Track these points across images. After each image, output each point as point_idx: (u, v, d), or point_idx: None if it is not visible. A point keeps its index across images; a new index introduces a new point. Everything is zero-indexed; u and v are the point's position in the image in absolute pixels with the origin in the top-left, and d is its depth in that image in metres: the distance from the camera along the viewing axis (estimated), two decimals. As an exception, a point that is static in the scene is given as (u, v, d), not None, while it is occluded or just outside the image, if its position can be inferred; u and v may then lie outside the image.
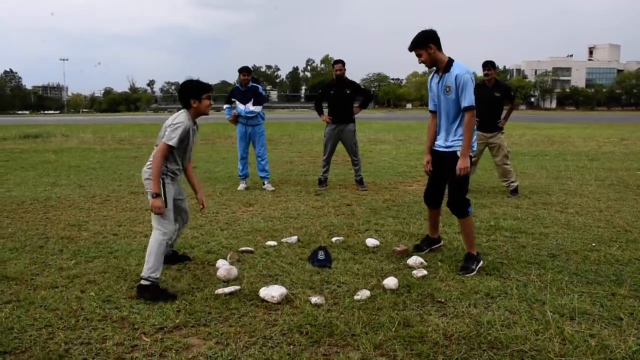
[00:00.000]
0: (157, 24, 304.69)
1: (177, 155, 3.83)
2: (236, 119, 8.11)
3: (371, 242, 4.85)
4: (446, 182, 4.42)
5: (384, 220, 5.88)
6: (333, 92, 7.99)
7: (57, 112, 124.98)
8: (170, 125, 3.72)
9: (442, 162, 4.37)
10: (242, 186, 8.21)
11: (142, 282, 3.61)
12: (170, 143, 3.67)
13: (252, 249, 4.71)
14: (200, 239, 5.11)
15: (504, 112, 7.77)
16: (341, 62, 7.95)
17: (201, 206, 4.24)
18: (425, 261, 4.29)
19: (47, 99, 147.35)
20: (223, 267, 4.03)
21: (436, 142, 4.46)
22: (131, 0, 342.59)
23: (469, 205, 4.31)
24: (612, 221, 5.80)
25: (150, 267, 3.62)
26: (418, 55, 4.17)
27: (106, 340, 2.95)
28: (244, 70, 7.99)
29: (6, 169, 10.97)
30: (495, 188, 8.05)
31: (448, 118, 4.28)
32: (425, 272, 4.01)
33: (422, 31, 4.18)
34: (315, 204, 6.87)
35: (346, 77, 8.04)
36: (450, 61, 4.21)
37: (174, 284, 3.82)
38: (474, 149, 4.34)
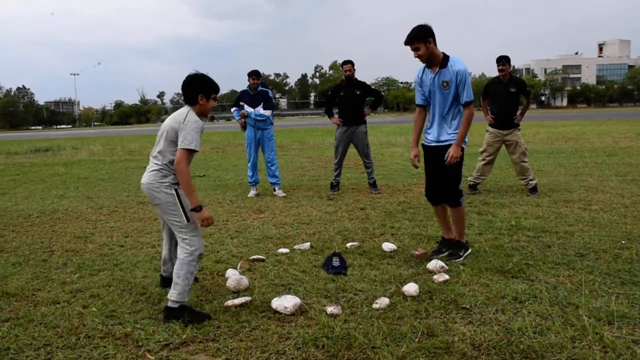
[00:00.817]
0: (166, 36, 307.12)
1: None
2: (245, 121, 7.95)
3: (388, 246, 4.62)
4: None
5: (400, 223, 5.65)
6: (343, 94, 7.78)
7: (69, 126, 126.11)
8: (182, 128, 3.22)
9: (437, 157, 4.35)
10: (252, 193, 8.02)
11: (169, 304, 3.23)
12: (193, 147, 3.19)
13: (263, 257, 4.49)
14: (209, 248, 4.90)
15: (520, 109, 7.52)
16: (350, 63, 7.74)
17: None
18: (446, 265, 4.05)
19: (59, 114, 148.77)
20: (233, 277, 3.81)
21: (427, 137, 4.45)
22: (139, 13, 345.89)
23: (461, 195, 4.39)
24: (639, 217, 5.52)
25: (179, 291, 3.21)
26: (415, 50, 4.12)
27: (108, 360, 2.75)
28: (253, 74, 7.81)
29: (15, 182, 10.88)
30: (512, 187, 7.79)
31: (443, 113, 4.28)
32: (446, 276, 3.77)
33: (420, 25, 4.13)
34: (328, 209, 6.65)
35: (356, 78, 7.83)
36: (446, 57, 4.21)
37: (181, 297, 3.61)
38: (466, 142, 4.34)
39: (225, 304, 3.43)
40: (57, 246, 5.22)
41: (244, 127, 8.05)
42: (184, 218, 3.28)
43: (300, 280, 3.90)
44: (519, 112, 7.31)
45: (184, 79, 3.41)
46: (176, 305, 3.21)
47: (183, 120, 3.25)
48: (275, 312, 3.27)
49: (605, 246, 4.49)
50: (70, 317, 3.31)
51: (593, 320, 2.97)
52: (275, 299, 3.37)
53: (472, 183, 7.46)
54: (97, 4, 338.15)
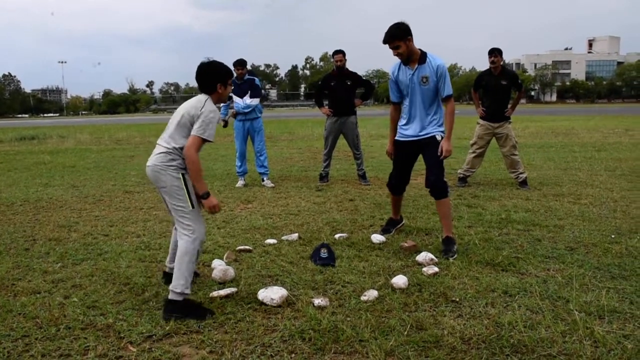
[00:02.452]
0: (156, 25, 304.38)
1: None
2: (227, 120, 7.88)
3: (377, 238, 4.56)
4: (411, 171, 4.68)
5: (389, 215, 5.57)
6: (334, 84, 7.69)
7: (57, 114, 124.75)
8: (198, 115, 3.11)
9: (415, 150, 4.51)
10: (240, 183, 7.93)
11: (171, 296, 3.08)
12: (206, 137, 3.09)
13: (250, 248, 4.42)
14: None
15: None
16: (341, 53, 7.65)
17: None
18: (436, 257, 4.00)
19: (46, 102, 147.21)
20: (219, 267, 3.74)
21: (404, 132, 4.52)
22: (129, 2, 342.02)
23: (448, 186, 4.44)
24: (628, 212, 5.51)
25: (182, 281, 3.07)
26: (395, 48, 4.18)
27: (88, 352, 2.66)
28: (238, 64, 7.69)
29: (-1, 170, 10.69)
30: (502, 180, 7.76)
31: (424, 107, 4.37)
32: (436, 269, 3.72)
33: (399, 23, 4.19)
34: (317, 200, 6.59)
35: (347, 68, 7.74)
36: (424, 53, 4.31)
37: (166, 287, 3.50)
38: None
39: (211, 294, 3.35)
40: (40, 235, 5.11)
41: (225, 124, 7.92)
42: (189, 203, 3.16)
43: (288, 271, 3.83)
44: (510, 105, 7.28)
45: (198, 67, 3.31)
46: (180, 298, 3.06)
47: (201, 107, 3.15)
48: (262, 303, 3.20)
49: (595, 240, 4.46)
50: (50, 308, 3.21)
51: (583, 315, 2.94)
52: (262, 290, 3.30)
53: (461, 176, 7.42)
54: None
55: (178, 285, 3.07)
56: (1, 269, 4.02)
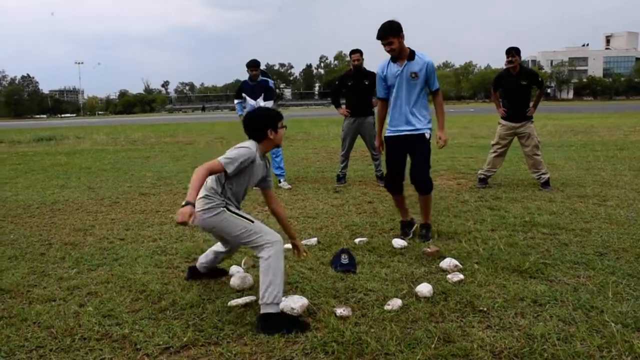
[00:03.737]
0: (171, 25, 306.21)
1: (234, 186, 3.19)
2: None
3: (398, 242, 4.44)
4: (404, 166, 4.73)
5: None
6: (351, 84, 7.57)
7: (74, 115, 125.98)
8: (232, 148, 3.13)
9: (405, 146, 4.63)
10: (256, 185, 7.83)
11: (265, 310, 2.92)
12: (224, 166, 3.00)
13: (268, 253, 4.31)
14: (212, 243, 4.68)
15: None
16: (359, 52, 7.52)
17: (302, 255, 3.70)
18: (460, 263, 3.87)
19: (63, 103, 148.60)
20: (237, 274, 3.64)
21: (393, 128, 4.67)
22: (145, 2, 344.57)
23: (432, 182, 4.70)
24: (658, 214, 5.32)
25: (274, 290, 2.93)
26: (389, 44, 4.35)
27: (104, 364, 2.58)
28: (251, 65, 7.59)
29: (17, 172, 10.73)
30: (524, 181, 7.58)
31: (410, 102, 4.54)
32: (461, 276, 3.58)
33: (392, 20, 4.37)
34: (335, 202, 6.47)
35: (364, 68, 7.61)
36: (412, 51, 4.51)
37: (182, 295, 3.44)
38: (431, 128, 4.65)
39: (229, 303, 3.25)
40: (56, 239, 5.06)
41: None
42: (247, 221, 3.13)
43: (308, 278, 3.72)
44: (531, 104, 7.11)
45: (246, 116, 3.36)
46: (273, 310, 2.92)
47: (235, 145, 3.16)
48: (282, 312, 3.10)
49: (625, 245, 4.30)
50: (65, 317, 3.14)
51: (620, 327, 2.79)
52: (282, 299, 3.19)
53: (482, 176, 7.25)
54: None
55: (269, 296, 2.93)
56: (17, 275, 3.97)
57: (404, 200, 4.86)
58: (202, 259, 3.73)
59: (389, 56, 4.53)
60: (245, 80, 7.84)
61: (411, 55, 4.49)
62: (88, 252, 4.57)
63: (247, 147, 3.14)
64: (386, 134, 4.74)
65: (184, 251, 4.47)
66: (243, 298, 3.29)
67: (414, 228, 4.85)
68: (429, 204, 4.74)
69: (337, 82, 8.00)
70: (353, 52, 7.57)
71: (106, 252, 4.54)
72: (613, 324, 2.80)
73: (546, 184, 6.92)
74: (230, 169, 3.03)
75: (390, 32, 4.32)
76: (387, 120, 4.75)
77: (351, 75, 7.62)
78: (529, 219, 5.25)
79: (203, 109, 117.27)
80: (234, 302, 3.24)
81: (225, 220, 3.11)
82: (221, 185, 3.16)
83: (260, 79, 7.62)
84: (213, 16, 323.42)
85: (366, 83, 7.48)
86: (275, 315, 2.92)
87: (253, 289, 3.54)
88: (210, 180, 3.15)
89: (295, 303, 3.09)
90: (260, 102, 7.54)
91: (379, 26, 4.38)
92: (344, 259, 3.89)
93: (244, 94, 7.80)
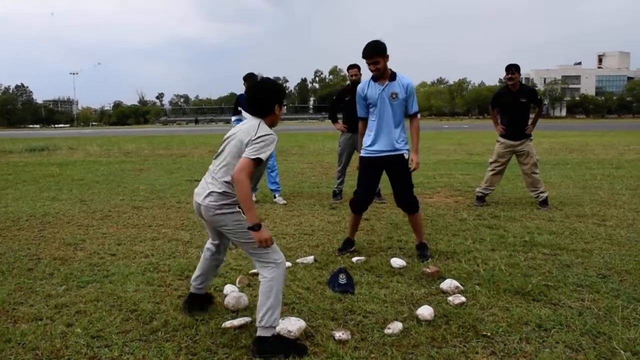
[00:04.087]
0: (167, 37, 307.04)
1: (255, 174, 2.93)
2: None
3: (397, 262, 4.33)
4: (376, 187, 4.93)
5: (407, 236, 5.36)
6: (348, 99, 7.50)
7: (67, 125, 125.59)
8: (251, 141, 2.83)
9: (381, 167, 4.65)
10: (251, 199, 7.71)
11: (261, 332, 2.79)
12: (261, 156, 2.79)
13: (263, 271, 4.19)
14: (206, 260, 4.61)
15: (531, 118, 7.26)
16: (357, 67, 7.46)
17: None
18: (461, 284, 3.76)
19: (57, 113, 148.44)
20: (232, 294, 3.52)
21: (371, 148, 4.62)
22: (141, 14, 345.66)
23: (418, 201, 4.72)
24: (659, 235, 5.25)
25: (273, 313, 2.79)
26: (375, 63, 4.36)
27: (91, 390, 2.45)
28: (248, 78, 7.50)
29: (7, 182, 10.56)
30: (521, 199, 7.51)
31: (391, 123, 4.53)
32: (462, 298, 3.48)
33: (378, 40, 4.40)
34: (331, 218, 6.37)
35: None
36: (394, 72, 4.55)
37: (175, 315, 3.31)
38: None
39: (223, 325, 3.13)
40: (45, 253, 4.92)
41: None
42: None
43: (305, 298, 3.61)
44: (530, 122, 7.06)
45: (252, 86, 3.10)
46: (269, 334, 2.78)
47: (255, 133, 2.85)
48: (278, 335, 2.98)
49: (629, 267, 4.21)
50: (52, 337, 3.01)
51: (630, 355, 2.69)
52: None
53: (480, 194, 7.17)
54: (99, 2, 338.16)
55: (268, 318, 2.78)
56: (2, 292, 3.82)
57: (359, 220, 4.90)
58: (196, 281, 3.38)
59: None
60: (241, 94, 7.75)
61: (393, 76, 4.52)
62: (78, 268, 4.44)
63: (269, 133, 2.89)
64: (364, 154, 4.69)
65: (177, 268, 4.35)
66: (238, 319, 3.17)
67: (353, 247, 4.82)
68: (420, 222, 4.76)
69: (334, 97, 7.93)
70: (351, 67, 7.52)
71: (96, 269, 4.41)
72: (622, 352, 2.71)
73: (544, 202, 6.85)
74: (266, 157, 2.84)
75: (376, 52, 4.35)
76: (365, 140, 4.70)
77: (349, 91, 7.55)
78: (529, 238, 5.16)
79: (196, 121, 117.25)
80: (228, 324, 3.12)
81: (239, 223, 2.89)
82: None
83: None
84: (209, 29, 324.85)
85: (364, 98, 7.40)
86: (272, 339, 2.80)
87: (248, 309, 3.42)
88: (229, 175, 2.88)
89: (292, 326, 2.97)
90: None
91: (365, 46, 4.39)
92: (342, 279, 3.78)
93: (240, 108, 7.70)
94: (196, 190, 3.07)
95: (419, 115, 4.75)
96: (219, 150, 3.04)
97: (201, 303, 3.41)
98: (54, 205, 7.62)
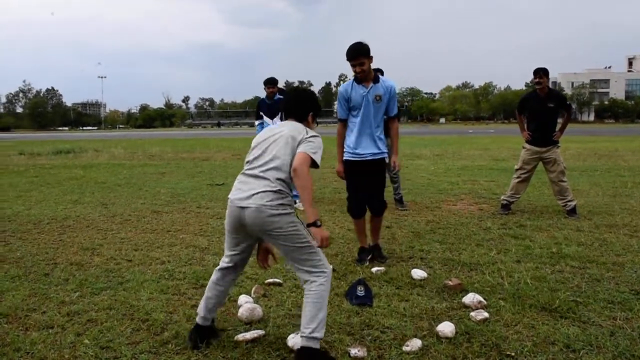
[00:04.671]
0: (193, 42, 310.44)
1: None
2: None
3: (417, 273, 4.18)
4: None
5: (429, 245, 5.20)
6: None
7: (95, 128, 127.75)
8: (304, 139, 2.80)
9: (367, 169, 4.59)
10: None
11: (308, 343, 2.66)
12: (318, 159, 2.76)
13: (280, 281, 4.09)
14: (222, 267, 4.52)
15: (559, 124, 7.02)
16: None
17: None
18: (484, 299, 3.60)
19: (85, 115, 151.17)
20: (245, 305, 3.42)
21: (357, 151, 4.58)
22: (167, 19, 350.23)
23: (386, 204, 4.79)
24: (695, 248, 5.00)
25: (323, 324, 2.70)
26: (361, 64, 4.29)
27: (96, 406, 2.37)
28: (269, 83, 7.40)
29: (32, 185, 10.68)
30: (549, 207, 7.28)
31: (372, 125, 4.51)
32: (485, 314, 3.32)
33: (362, 42, 4.32)
34: (351, 226, 6.20)
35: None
36: (377, 74, 4.51)
37: (187, 326, 3.22)
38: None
39: (236, 338, 3.03)
40: (62, 258, 4.90)
41: None
42: (311, 237, 2.75)
43: (320, 311, 3.49)
44: (557, 128, 6.83)
45: (294, 93, 3.17)
46: (317, 345, 2.67)
47: (306, 133, 2.85)
48: (292, 351, 2.87)
49: (663, 282, 4.00)
50: (61, 347, 2.95)
51: (666, 381, 2.51)
52: (292, 335, 2.97)
53: (505, 202, 6.96)
54: (126, 8, 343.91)
55: (318, 330, 2.68)
56: (17, 297, 3.80)
57: (364, 225, 4.78)
58: (204, 312, 3.00)
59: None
60: (262, 99, 7.68)
61: (376, 78, 4.49)
62: (93, 273, 4.39)
63: (317, 135, 2.86)
64: (348, 157, 4.62)
65: (192, 276, 4.27)
66: (251, 332, 3.07)
67: (370, 255, 4.70)
68: (380, 225, 4.87)
69: None
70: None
71: (112, 275, 4.36)
72: (658, 378, 2.53)
73: (572, 211, 6.62)
74: (319, 163, 2.80)
75: (362, 53, 4.28)
76: (348, 142, 4.62)
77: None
78: (556, 249, 4.96)
79: (219, 124, 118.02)
80: (240, 337, 3.02)
81: (292, 225, 2.72)
82: (291, 180, 2.78)
83: (277, 97, 7.43)
84: (234, 33, 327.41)
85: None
86: (318, 352, 2.69)
87: (262, 321, 3.32)
88: (282, 173, 2.75)
89: (306, 341, 2.85)
90: (277, 122, 7.35)
91: (348, 47, 4.32)
92: (360, 291, 3.65)
93: (261, 113, 7.64)
94: (234, 195, 2.82)
95: (397, 118, 4.78)
96: (258, 153, 2.88)
97: (211, 335, 3.03)
98: (75, 209, 7.64)
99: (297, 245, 2.74)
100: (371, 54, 4.34)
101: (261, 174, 2.77)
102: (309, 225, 2.72)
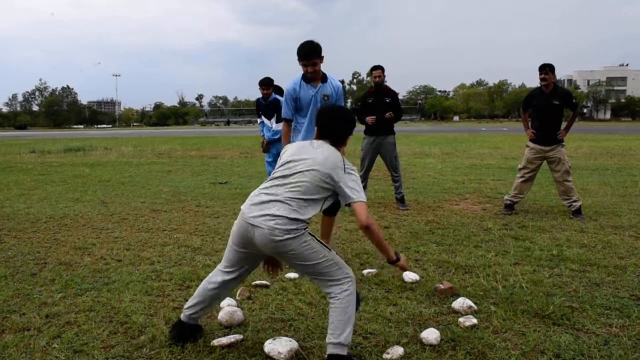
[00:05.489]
0: (207, 40, 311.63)
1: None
2: (268, 147, 7.34)
3: (409, 276, 4.06)
4: None
5: (426, 247, 5.08)
6: (372, 101, 7.25)
7: (110, 125, 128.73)
8: (342, 176, 2.67)
9: None
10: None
11: (338, 350, 2.59)
12: (365, 199, 2.69)
13: (267, 283, 3.99)
14: (211, 269, 4.37)
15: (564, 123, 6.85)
16: (380, 68, 7.20)
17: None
18: (475, 304, 3.47)
19: (100, 114, 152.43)
20: (226, 308, 3.32)
21: None
22: (182, 17, 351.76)
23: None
24: (702, 251, 4.82)
25: (347, 330, 2.62)
26: (314, 65, 4.22)
27: (57, 414, 2.29)
28: (263, 84, 7.18)
29: (37, 183, 10.70)
30: (553, 207, 7.10)
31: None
32: (474, 320, 3.20)
33: (314, 41, 4.21)
34: (349, 226, 6.12)
35: (386, 85, 7.30)
36: (325, 73, 4.46)
37: (165, 329, 3.13)
38: None
39: (212, 342, 2.93)
40: (52, 257, 4.84)
41: (265, 149, 7.44)
42: (326, 249, 2.70)
43: (304, 314, 3.39)
44: (563, 127, 6.65)
45: (333, 113, 2.94)
46: (345, 352, 2.60)
47: (342, 166, 2.69)
48: (267, 357, 2.77)
49: (665, 287, 3.84)
50: (33, 351, 2.87)
51: (658, 394, 2.37)
52: (269, 341, 2.86)
53: (509, 202, 6.80)
54: (142, 7, 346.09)
55: (348, 336, 2.62)
56: (0, 297, 3.74)
57: (332, 223, 4.65)
58: (192, 309, 2.94)
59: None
60: (259, 99, 7.54)
61: (324, 77, 4.44)
62: (80, 274, 4.32)
63: (354, 167, 2.77)
64: None
65: (179, 277, 4.19)
66: (228, 337, 2.97)
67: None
68: (332, 229, 4.71)
69: (359, 104, 7.63)
70: (374, 68, 7.26)
71: (98, 275, 4.29)
72: (649, 391, 2.39)
73: (578, 212, 6.44)
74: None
75: (315, 54, 4.19)
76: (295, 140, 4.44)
77: (372, 93, 7.31)
78: (557, 252, 4.81)
79: (228, 123, 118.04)
80: (217, 342, 2.92)
81: (306, 244, 2.62)
82: (314, 213, 2.69)
83: (272, 98, 7.23)
84: (247, 32, 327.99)
85: (387, 101, 7.15)
86: (344, 357, 2.61)
87: (242, 325, 3.22)
88: (310, 209, 2.67)
89: (283, 347, 2.76)
90: (274, 126, 7.14)
91: (300, 45, 4.20)
92: (346, 294, 3.53)
93: (260, 112, 7.53)
94: (247, 208, 2.70)
95: None
96: (287, 173, 2.74)
97: (192, 333, 2.99)
98: (75, 207, 7.61)
99: (313, 263, 2.65)
100: (323, 54, 4.27)
101: (282, 198, 2.65)
102: (390, 263, 2.85)
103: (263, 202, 2.67)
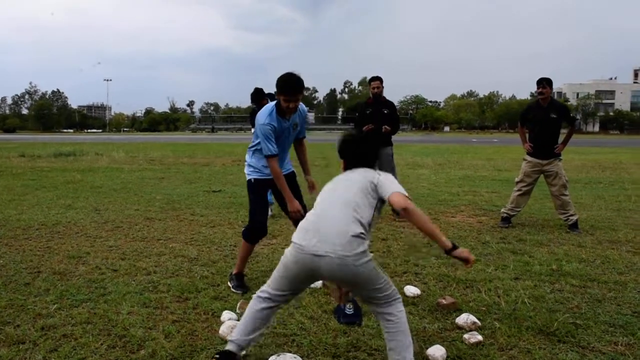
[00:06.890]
0: (198, 46, 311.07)
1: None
2: None
3: (411, 290, 4.02)
4: None
5: (425, 260, 5.04)
6: (369, 112, 7.24)
7: (100, 130, 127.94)
8: (381, 181, 2.72)
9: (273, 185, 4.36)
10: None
11: None
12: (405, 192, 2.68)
13: (267, 296, 3.93)
14: (209, 280, 4.38)
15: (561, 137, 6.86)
16: (379, 79, 7.21)
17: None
18: (479, 320, 3.44)
19: (90, 118, 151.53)
20: (227, 322, 3.27)
21: (267, 171, 4.30)
22: (174, 23, 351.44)
23: None
24: (701, 268, 4.82)
25: (410, 350, 2.63)
26: (297, 100, 4.01)
27: None
28: (256, 96, 7.17)
29: (27, 188, 10.56)
30: (550, 221, 7.10)
31: (286, 150, 4.40)
32: (479, 337, 3.16)
33: (299, 75, 3.98)
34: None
35: (384, 96, 7.30)
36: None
37: (164, 343, 3.07)
38: None
39: (213, 358, 2.87)
40: (46, 266, 4.75)
41: None
42: (385, 275, 2.67)
43: (307, 329, 3.34)
44: (560, 141, 6.67)
45: (362, 144, 2.97)
46: None
47: (377, 174, 2.77)
48: (272, 374, 2.71)
49: (668, 304, 3.82)
50: (29, 366, 2.80)
51: (669, 416, 2.34)
52: (273, 357, 2.81)
53: (505, 215, 6.80)
54: (133, 13, 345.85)
55: (408, 357, 2.61)
56: (-7, 309, 3.65)
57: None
58: (241, 335, 2.77)
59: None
60: (254, 108, 7.51)
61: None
62: (75, 284, 4.24)
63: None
64: (261, 177, 4.31)
65: (177, 288, 4.12)
66: (230, 352, 2.90)
67: (242, 283, 4.28)
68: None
69: (357, 114, 7.64)
70: (373, 79, 7.26)
71: (94, 286, 4.21)
72: (660, 413, 2.36)
73: (574, 226, 6.45)
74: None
75: (302, 90, 4.03)
76: (261, 163, 4.28)
77: (370, 104, 7.30)
78: (557, 266, 4.79)
79: (213, 129, 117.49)
80: (218, 357, 2.86)
81: (374, 269, 2.57)
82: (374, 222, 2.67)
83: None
84: (239, 39, 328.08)
85: (385, 112, 7.16)
86: None
87: (244, 340, 3.16)
88: (367, 210, 2.63)
89: (287, 364, 2.70)
90: None
91: (285, 79, 3.92)
92: (349, 309, 3.46)
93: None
94: (315, 238, 2.56)
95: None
96: (339, 193, 2.78)
97: None
98: (67, 214, 7.51)
99: (377, 285, 2.62)
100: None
101: (341, 213, 2.60)
102: (447, 252, 2.58)
103: (336, 227, 2.62)
